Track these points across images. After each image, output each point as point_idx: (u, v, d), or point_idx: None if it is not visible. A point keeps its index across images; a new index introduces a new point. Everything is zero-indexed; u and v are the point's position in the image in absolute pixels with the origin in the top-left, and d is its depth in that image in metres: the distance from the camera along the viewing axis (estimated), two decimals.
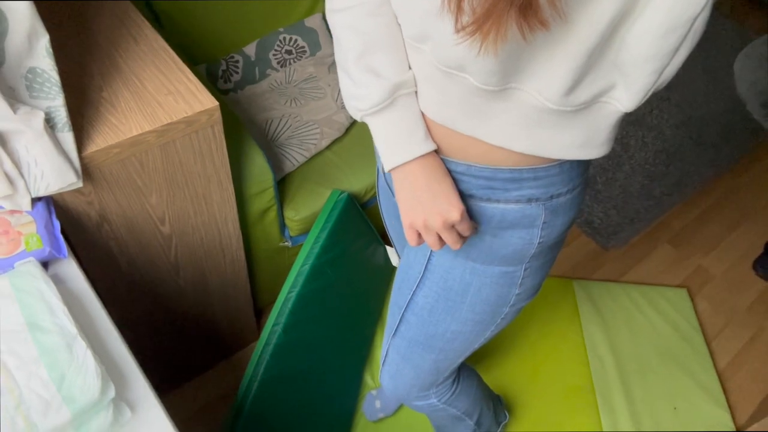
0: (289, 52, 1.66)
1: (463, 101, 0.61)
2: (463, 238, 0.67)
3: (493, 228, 0.70)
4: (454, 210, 0.64)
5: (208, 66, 1.57)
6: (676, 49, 0.54)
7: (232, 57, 1.61)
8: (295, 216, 1.40)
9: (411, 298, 0.82)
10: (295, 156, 1.44)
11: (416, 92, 0.65)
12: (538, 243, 0.71)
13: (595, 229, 1.98)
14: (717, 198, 2.14)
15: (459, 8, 0.49)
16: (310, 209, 1.41)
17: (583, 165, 0.69)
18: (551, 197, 0.67)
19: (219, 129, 1.00)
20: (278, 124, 1.50)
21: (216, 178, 1.08)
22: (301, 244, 1.46)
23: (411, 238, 0.67)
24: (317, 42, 1.68)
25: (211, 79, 1.58)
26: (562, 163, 0.66)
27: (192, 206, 1.09)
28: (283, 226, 1.42)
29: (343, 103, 1.56)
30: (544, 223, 0.69)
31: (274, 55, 1.65)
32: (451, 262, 0.76)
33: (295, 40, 1.66)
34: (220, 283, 1.34)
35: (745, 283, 1.89)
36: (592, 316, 1.78)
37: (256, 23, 1.64)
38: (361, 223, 1.49)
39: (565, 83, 0.55)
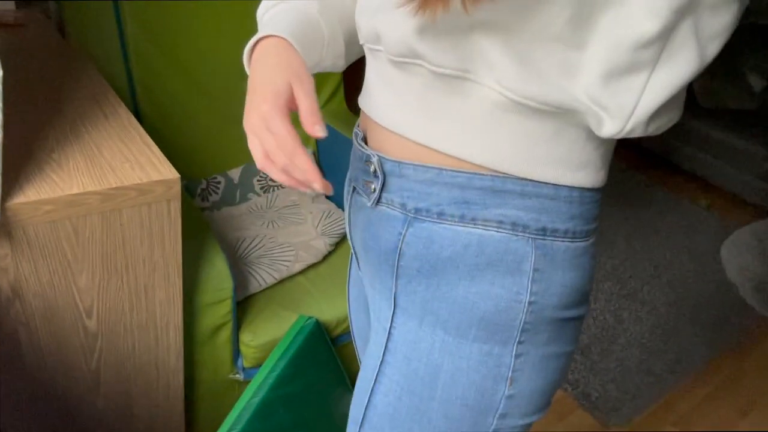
0: (274, 180, 1.62)
1: (418, 98, 0.55)
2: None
3: (468, 267, 0.56)
4: (263, 105, 0.52)
5: (186, 183, 1.51)
6: (653, 65, 0.48)
7: (215, 178, 1.56)
8: (251, 341, 1.21)
9: (368, 402, 0.63)
10: (263, 276, 1.31)
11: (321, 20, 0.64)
12: (529, 303, 0.55)
13: (593, 403, 1.77)
14: (722, 381, 1.97)
15: None
16: (271, 335, 1.23)
17: (587, 207, 0.57)
18: (543, 230, 0.55)
19: (176, 207, 0.89)
20: (251, 243, 1.39)
21: (163, 267, 0.94)
22: None
23: (252, 150, 0.55)
24: None
25: (188, 195, 1.50)
26: (558, 186, 0.55)
27: (129, 299, 0.93)
28: (236, 352, 1.23)
29: (322, 230, 1.48)
30: (535, 270, 0.55)
31: (258, 180, 1.61)
32: (417, 333, 0.59)
33: None
34: (148, 415, 1.11)
35: None
36: None
37: (246, 151, 1.61)
38: (329, 358, 1.30)
39: (520, 66, 0.50)
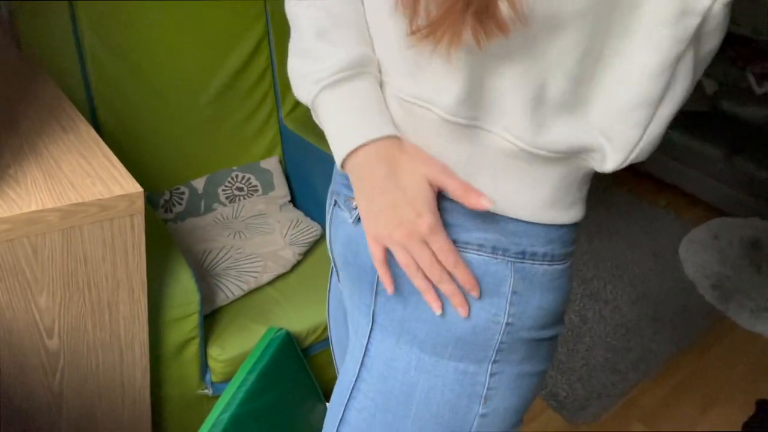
0: (240, 189, 1.60)
1: (423, 141, 0.54)
2: (441, 265, 0.53)
3: None
4: (420, 221, 0.51)
5: (149, 194, 1.48)
6: (661, 98, 0.49)
7: (178, 188, 1.53)
8: (220, 355, 1.19)
9: (342, 417, 0.63)
10: (230, 288, 1.29)
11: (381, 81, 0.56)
12: (506, 324, 0.56)
13: (561, 403, 1.80)
14: (684, 377, 2.03)
15: (414, 11, 0.46)
16: (240, 348, 1.21)
17: (566, 230, 0.58)
18: (522, 254, 0.55)
19: (140, 222, 0.87)
20: (217, 255, 1.37)
21: (127, 284, 0.91)
22: None
23: (375, 253, 0.55)
24: (271, 182, 1.64)
25: (151, 207, 1.47)
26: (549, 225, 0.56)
27: (92, 317, 0.91)
28: (204, 367, 1.21)
29: (291, 239, 1.47)
30: (513, 293, 0.55)
31: (223, 190, 1.58)
32: (393, 350, 0.59)
33: (248, 179, 1.62)
34: None
35: None
36: None
37: (209, 160, 1.60)
38: (299, 370, 1.28)
39: (531, 115, 0.50)
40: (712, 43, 0.49)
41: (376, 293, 0.60)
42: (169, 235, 1.18)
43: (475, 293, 0.55)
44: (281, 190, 1.65)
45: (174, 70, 1.48)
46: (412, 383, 0.58)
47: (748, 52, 3.12)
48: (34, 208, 0.77)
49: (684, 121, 3.00)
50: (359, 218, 0.60)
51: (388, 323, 0.60)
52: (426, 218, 0.52)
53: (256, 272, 1.34)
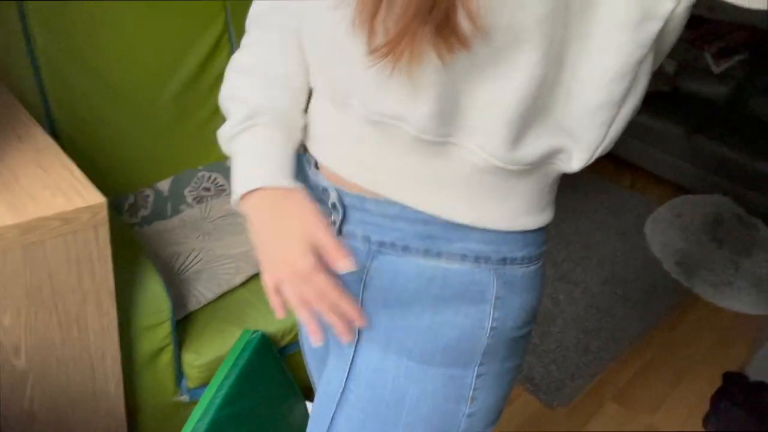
0: (207, 189, 1.57)
1: (398, 160, 0.53)
2: (327, 297, 0.53)
3: (433, 299, 0.57)
4: (302, 261, 0.52)
5: (113, 199, 1.44)
6: (624, 98, 0.50)
7: (143, 191, 1.49)
8: (195, 361, 1.18)
9: (330, 426, 0.63)
10: (202, 292, 1.27)
11: (287, 130, 0.60)
12: (491, 329, 0.57)
13: (537, 386, 1.83)
14: (653, 354, 2.09)
15: (372, 29, 0.45)
16: (215, 353, 1.19)
17: (540, 231, 0.59)
18: (503, 260, 0.56)
19: (104, 232, 0.84)
20: (187, 258, 1.35)
21: (95, 296, 0.89)
22: None
23: (267, 283, 0.56)
24: None
25: (116, 212, 1.44)
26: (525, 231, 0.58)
27: (60, 332, 0.88)
28: (179, 374, 1.19)
29: None
30: (497, 299, 0.57)
31: (190, 191, 1.55)
32: (381, 360, 0.60)
33: (215, 179, 1.59)
34: None
35: None
36: None
37: (174, 160, 1.56)
38: (277, 371, 1.28)
39: (506, 133, 0.49)
40: (671, 40, 0.50)
41: (360, 305, 0.60)
42: (136, 240, 1.15)
43: (359, 323, 0.55)
44: None
45: (132, 70, 1.44)
46: (402, 391, 0.59)
47: (704, 32, 3.19)
48: None
49: (646, 101, 3.04)
50: (338, 233, 0.60)
51: (373, 334, 0.60)
52: (308, 259, 0.52)
53: (229, 274, 1.33)
